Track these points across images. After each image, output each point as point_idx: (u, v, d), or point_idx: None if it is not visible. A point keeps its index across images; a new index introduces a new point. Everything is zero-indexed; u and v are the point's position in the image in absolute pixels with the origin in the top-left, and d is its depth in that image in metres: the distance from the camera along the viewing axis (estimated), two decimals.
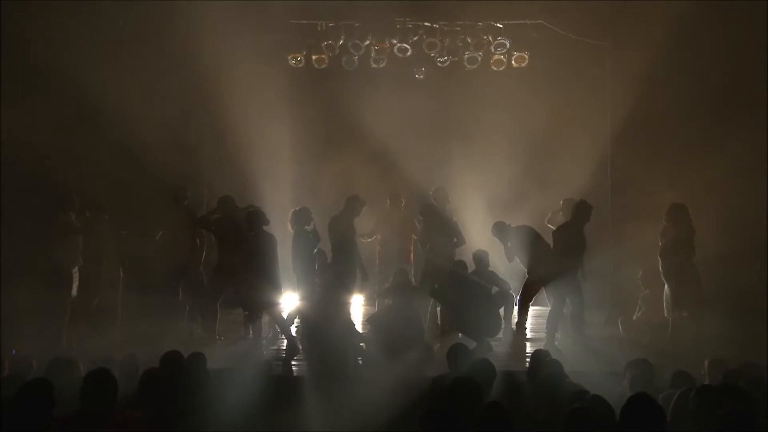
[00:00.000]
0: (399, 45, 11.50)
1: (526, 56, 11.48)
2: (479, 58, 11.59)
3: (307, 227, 8.73)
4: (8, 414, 4.02)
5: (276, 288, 8.09)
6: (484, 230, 9.06)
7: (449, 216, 9.38)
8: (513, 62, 11.58)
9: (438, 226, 9.03)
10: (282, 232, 8.70)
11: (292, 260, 8.60)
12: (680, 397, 4.68)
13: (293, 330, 8.30)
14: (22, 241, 8.47)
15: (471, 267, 8.54)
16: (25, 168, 9.05)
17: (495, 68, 11.62)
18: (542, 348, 7.03)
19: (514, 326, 8.47)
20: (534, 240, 8.48)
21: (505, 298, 8.47)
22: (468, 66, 11.65)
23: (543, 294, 8.79)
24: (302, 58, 11.64)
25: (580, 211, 8.39)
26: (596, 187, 10.44)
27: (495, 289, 8.41)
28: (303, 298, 8.44)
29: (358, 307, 10.20)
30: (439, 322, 8.66)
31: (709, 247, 8.73)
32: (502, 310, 8.40)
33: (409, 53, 11.56)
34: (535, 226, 8.88)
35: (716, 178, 9.32)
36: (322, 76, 11.79)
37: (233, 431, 4.91)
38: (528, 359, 6.69)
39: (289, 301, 8.90)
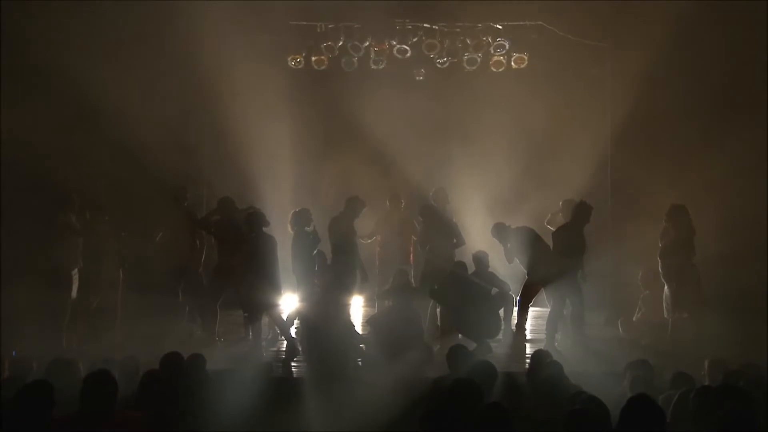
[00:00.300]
0: (398, 46, 11.49)
1: (526, 57, 11.48)
2: (479, 60, 11.58)
3: (307, 228, 8.73)
4: (8, 415, 4.03)
5: (276, 289, 8.08)
6: (484, 231, 9.05)
7: (449, 217, 9.38)
8: (512, 63, 11.57)
9: (438, 227, 9.02)
10: (282, 233, 8.70)
11: (292, 261, 8.60)
12: (680, 398, 4.68)
13: (293, 331, 8.30)
14: (22, 242, 8.47)
15: (471, 268, 8.54)
16: (25, 168, 9.06)
17: (494, 69, 11.62)
18: (542, 348, 7.03)
19: (513, 327, 8.46)
20: (534, 241, 8.47)
21: (504, 299, 8.46)
22: (467, 67, 11.64)
23: (543, 295, 8.79)
24: (302, 59, 11.64)
25: (580, 212, 8.40)
26: (596, 188, 10.44)
27: (495, 290, 8.40)
28: (303, 300, 8.44)
29: (357, 309, 10.20)
30: (438, 323, 8.66)
31: (709, 247, 8.73)
32: (501, 311, 8.39)
33: (408, 54, 11.56)
34: (535, 227, 8.88)
35: (716, 178, 9.33)
36: (322, 78, 11.80)
37: None
38: (528, 360, 6.70)
39: (289, 303, 8.90)
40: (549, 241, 8.49)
